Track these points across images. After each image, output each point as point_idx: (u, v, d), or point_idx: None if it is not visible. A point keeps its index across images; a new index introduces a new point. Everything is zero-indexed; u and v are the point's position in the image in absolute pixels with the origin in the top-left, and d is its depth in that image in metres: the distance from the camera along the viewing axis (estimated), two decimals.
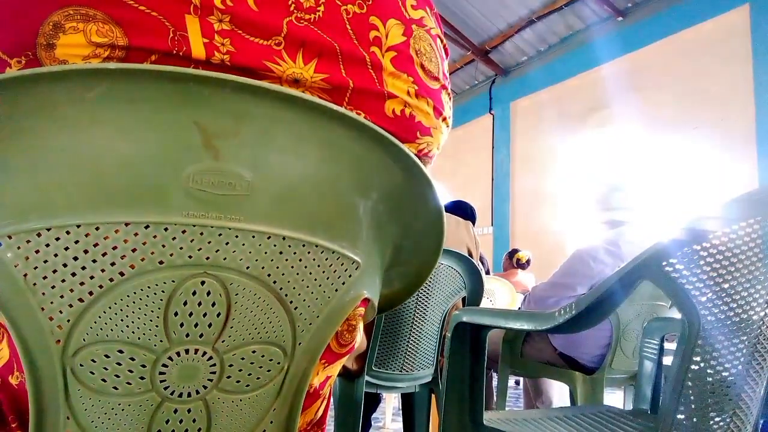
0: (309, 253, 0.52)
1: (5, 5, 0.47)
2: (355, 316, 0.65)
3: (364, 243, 0.56)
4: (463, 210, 3.13)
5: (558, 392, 2.56)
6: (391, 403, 3.18)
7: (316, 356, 0.58)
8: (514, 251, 4.65)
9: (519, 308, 3.01)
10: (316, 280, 0.54)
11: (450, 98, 0.67)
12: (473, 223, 3.20)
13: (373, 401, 2.29)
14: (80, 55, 0.46)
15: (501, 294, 3.30)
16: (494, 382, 2.66)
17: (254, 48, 0.51)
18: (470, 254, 2.71)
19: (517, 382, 4.58)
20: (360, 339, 0.69)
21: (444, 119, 0.65)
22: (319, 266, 0.53)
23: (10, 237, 0.44)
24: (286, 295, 0.52)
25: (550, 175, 7.14)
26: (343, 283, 0.56)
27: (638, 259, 0.76)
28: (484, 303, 2.00)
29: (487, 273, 3.58)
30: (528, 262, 4.57)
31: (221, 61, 0.49)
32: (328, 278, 0.54)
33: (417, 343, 1.85)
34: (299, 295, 0.53)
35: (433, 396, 2.18)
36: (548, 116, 7.28)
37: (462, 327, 1.11)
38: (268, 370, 0.55)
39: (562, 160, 6.96)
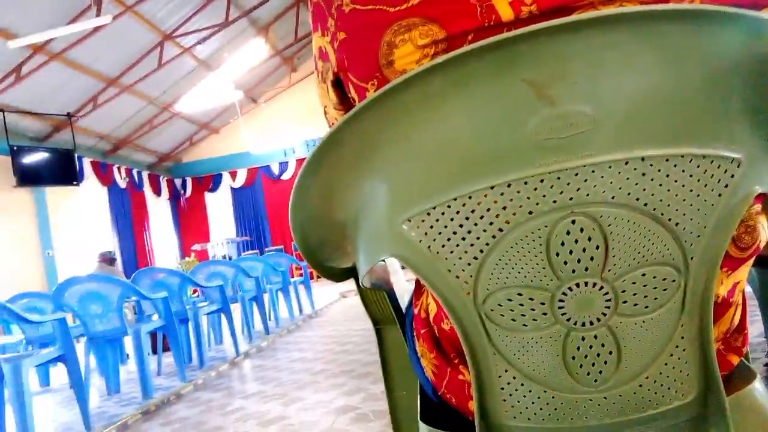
0: (675, 166, 0.48)
1: (352, 46, 0.57)
2: (752, 216, 0.58)
3: (739, 135, 0.49)
4: None
5: None
6: None
7: (715, 267, 0.53)
8: None
9: None
10: (691, 191, 0.49)
11: None
12: None
13: None
14: (413, 60, 0.53)
15: None
16: None
17: None
18: None
19: None
20: (766, 236, 0.61)
21: None
22: (691, 176, 0.49)
23: (409, 220, 0.54)
24: (662, 214, 0.50)
25: None
26: (726, 186, 0.50)
27: None
28: None
29: None
30: None
31: (529, 13, 0.49)
32: (705, 185, 0.50)
33: None
34: (677, 210, 0.50)
35: None
36: None
37: None
38: (664, 290, 0.54)
39: None
